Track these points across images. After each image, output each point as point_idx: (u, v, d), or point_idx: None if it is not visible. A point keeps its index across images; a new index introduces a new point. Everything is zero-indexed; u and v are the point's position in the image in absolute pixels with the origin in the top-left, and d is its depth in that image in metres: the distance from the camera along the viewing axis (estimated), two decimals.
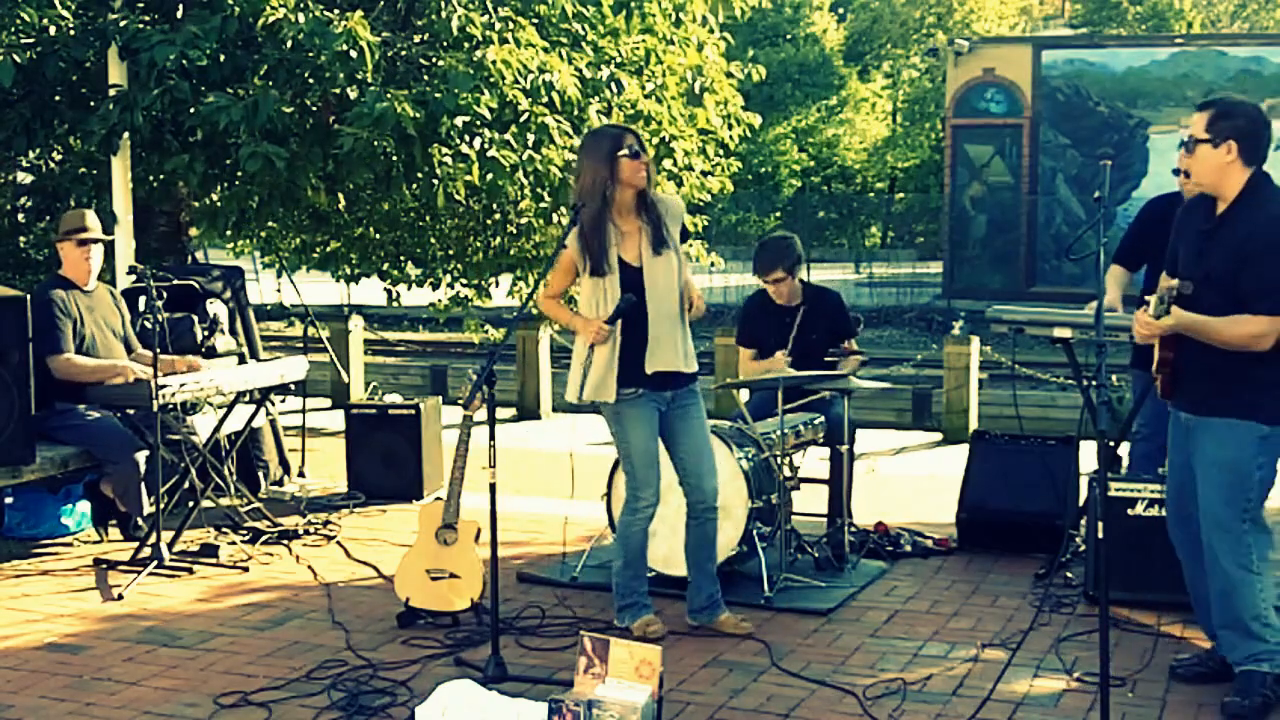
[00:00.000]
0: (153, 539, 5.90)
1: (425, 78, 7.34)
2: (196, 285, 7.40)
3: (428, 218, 9.23)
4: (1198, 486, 4.33)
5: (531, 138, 7.33)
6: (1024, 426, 6.57)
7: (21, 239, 8.90)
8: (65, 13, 7.44)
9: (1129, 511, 5.26)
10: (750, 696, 4.41)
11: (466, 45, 7.38)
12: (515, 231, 8.79)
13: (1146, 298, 4.20)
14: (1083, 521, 5.81)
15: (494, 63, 7.06)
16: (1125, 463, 6.01)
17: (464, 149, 7.13)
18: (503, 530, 4.69)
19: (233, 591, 5.66)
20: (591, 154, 4.82)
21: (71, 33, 7.38)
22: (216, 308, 7.35)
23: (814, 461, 6.39)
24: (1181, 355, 4.30)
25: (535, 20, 7.74)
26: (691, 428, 5.00)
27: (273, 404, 7.36)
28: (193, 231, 9.40)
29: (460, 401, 4.91)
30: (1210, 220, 4.29)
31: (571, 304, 5.34)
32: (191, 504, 6.34)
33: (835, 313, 6.40)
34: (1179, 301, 4.22)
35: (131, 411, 6.11)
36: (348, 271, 10.50)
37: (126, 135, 7.37)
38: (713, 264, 9.62)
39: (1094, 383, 3.87)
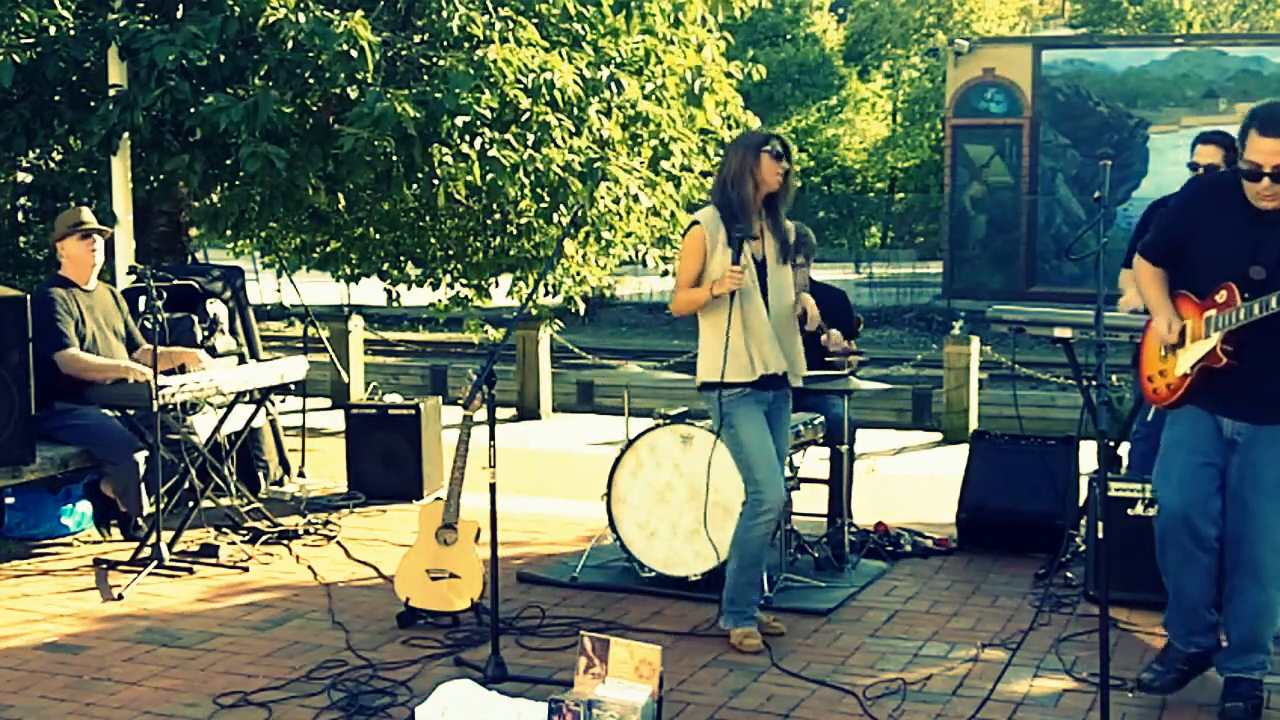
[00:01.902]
0: (153, 539, 5.90)
1: (425, 78, 7.34)
2: (196, 285, 7.40)
3: (428, 218, 9.23)
4: (1260, 502, 4.14)
5: (532, 137, 7.33)
6: (1024, 426, 6.56)
7: (21, 239, 8.91)
8: (65, 13, 7.43)
9: (1129, 511, 5.26)
10: (750, 696, 4.41)
11: (467, 45, 7.38)
12: (515, 231, 8.79)
13: None
14: (1083, 521, 5.81)
15: (494, 62, 7.06)
16: (1125, 463, 6.00)
17: (464, 149, 7.13)
18: (503, 530, 4.69)
19: (233, 591, 5.66)
20: (741, 143, 5.03)
21: (71, 33, 7.37)
22: (216, 308, 7.35)
23: (814, 461, 6.38)
24: (1244, 360, 4.08)
25: (535, 20, 7.74)
26: (779, 431, 5.06)
27: (273, 404, 7.36)
28: (193, 231, 9.40)
29: (460, 401, 4.91)
30: (1249, 209, 4.11)
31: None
32: (191, 504, 6.34)
33: (840, 311, 6.42)
34: (1248, 289, 4.03)
35: (131, 411, 6.11)
36: (348, 271, 10.49)
37: (126, 135, 7.37)
38: None
39: (1094, 383, 3.86)
